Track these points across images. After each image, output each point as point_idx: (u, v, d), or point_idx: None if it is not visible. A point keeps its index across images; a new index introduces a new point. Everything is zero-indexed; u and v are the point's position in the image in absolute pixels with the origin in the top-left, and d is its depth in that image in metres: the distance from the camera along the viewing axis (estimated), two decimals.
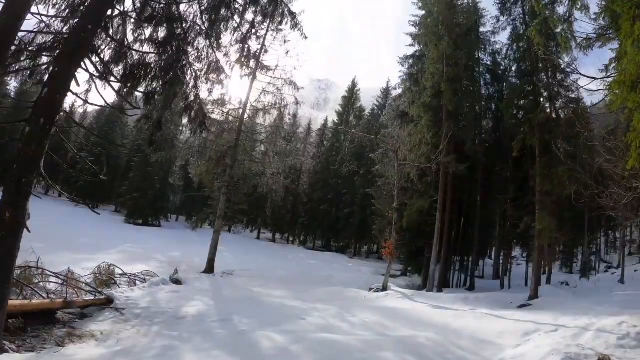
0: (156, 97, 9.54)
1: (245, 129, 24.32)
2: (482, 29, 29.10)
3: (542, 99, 20.30)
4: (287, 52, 23.66)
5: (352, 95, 53.29)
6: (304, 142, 55.94)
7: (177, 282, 15.22)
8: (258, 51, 23.67)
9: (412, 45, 29.59)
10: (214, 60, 10.84)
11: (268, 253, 36.86)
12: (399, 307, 14.99)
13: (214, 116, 23.56)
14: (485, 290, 26.39)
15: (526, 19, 21.92)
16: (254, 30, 11.87)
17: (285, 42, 23.81)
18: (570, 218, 29.03)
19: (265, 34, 23.80)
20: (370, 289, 19.33)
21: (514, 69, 24.13)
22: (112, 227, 36.17)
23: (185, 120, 11.74)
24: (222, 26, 10.77)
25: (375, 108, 51.45)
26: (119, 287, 12.38)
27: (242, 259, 28.37)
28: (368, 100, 55.36)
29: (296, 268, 28.64)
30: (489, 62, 29.31)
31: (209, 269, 20.00)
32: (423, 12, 27.44)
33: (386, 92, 49.75)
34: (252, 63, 23.37)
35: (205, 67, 10.72)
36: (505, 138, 26.21)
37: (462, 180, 24.99)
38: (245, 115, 23.61)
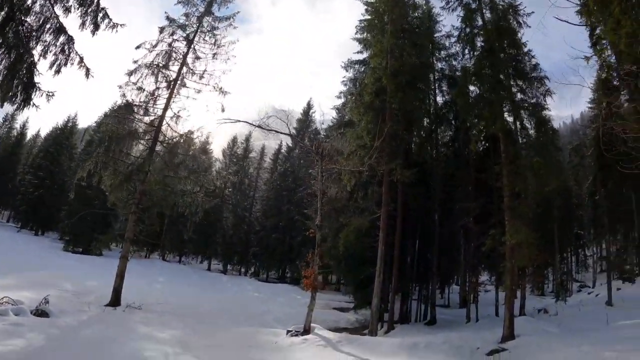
0: None
1: (164, 139, 20.13)
2: (436, 35, 25.76)
3: (502, 76, 15.89)
4: (215, 55, 20.66)
5: (306, 117, 48.81)
6: (258, 167, 52.46)
7: (42, 314, 12.05)
8: (184, 53, 20.32)
9: (361, 52, 25.58)
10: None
11: (211, 285, 32.00)
12: None
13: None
14: (449, 323, 21.96)
15: None
16: None
17: (217, 45, 20.70)
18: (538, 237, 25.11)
19: (194, 36, 20.52)
20: (288, 332, 14.39)
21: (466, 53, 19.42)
22: (45, 254, 31.48)
23: None
24: None
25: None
26: None
27: (174, 290, 24.37)
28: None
29: (231, 302, 23.79)
30: (444, 67, 25.48)
31: (115, 300, 16.67)
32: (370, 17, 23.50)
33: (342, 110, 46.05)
34: (175, 65, 20.10)
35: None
36: (465, 148, 22.40)
37: (417, 196, 20.60)
38: (165, 125, 19.57)
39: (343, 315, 23.64)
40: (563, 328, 15.64)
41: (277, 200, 44.36)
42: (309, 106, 49.31)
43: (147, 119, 19.89)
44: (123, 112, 19.57)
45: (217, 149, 51.31)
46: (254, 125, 15.07)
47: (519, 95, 15.69)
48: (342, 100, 25.38)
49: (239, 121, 15.29)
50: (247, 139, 50.59)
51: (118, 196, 19.29)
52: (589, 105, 41.10)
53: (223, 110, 19.64)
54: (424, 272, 23.05)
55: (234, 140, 51.50)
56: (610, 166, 29.55)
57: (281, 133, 15.60)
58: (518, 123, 15.52)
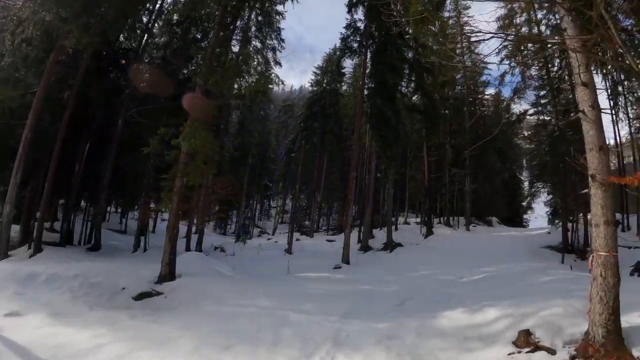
0: None
1: None
2: None
3: None
4: None
5: None
6: None
7: None
8: None
9: None
10: None
11: None
12: None
13: None
14: (116, 251, 18.85)
15: None
16: None
17: None
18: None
19: None
20: None
21: None
22: None
23: None
24: None
25: None
26: None
27: None
28: None
29: None
30: None
31: None
32: None
33: None
34: None
35: None
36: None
37: (102, 89, 17.04)
38: None
39: None
40: (240, 271, 14.11)
41: None
42: None
43: None
44: None
45: None
46: None
47: None
48: None
49: None
50: None
51: None
52: (311, 79, 44.91)
53: None
54: (96, 186, 19.06)
55: None
56: (312, 130, 32.96)
57: None
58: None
